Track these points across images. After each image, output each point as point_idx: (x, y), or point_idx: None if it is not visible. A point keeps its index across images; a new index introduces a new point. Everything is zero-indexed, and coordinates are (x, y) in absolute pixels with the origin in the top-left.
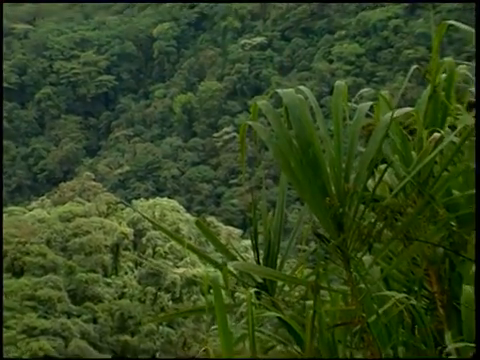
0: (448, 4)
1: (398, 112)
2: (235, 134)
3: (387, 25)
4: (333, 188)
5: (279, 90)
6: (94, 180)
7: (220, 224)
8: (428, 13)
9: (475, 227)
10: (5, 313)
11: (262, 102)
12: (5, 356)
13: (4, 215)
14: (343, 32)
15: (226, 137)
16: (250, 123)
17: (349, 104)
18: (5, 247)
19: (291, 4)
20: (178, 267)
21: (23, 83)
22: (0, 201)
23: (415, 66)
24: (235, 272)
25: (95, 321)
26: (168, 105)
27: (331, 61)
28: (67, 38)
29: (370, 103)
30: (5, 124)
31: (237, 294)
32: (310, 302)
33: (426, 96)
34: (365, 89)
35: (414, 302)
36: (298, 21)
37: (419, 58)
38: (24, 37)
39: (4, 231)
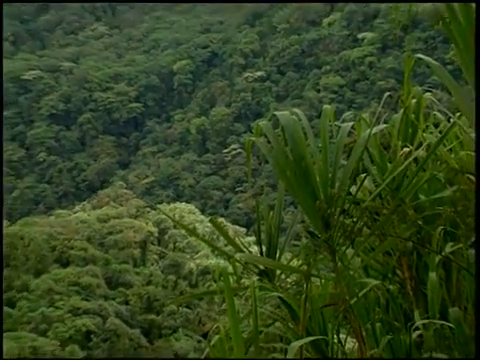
0: (413, 44)
1: (376, 129)
2: (240, 150)
3: (363, 61)
4: (321, 193)
5: (277, 112)
6: (125, 188)
7: (228, 224)
8: (396, 52)
9: (475, 228)
10: (55, 296)
11: (263, 123)
12: (5, 357)
13: (52, 217)
14: (328, 67)
15: (233, 153)
16: (254, 139)
17: (335, 124)
18: (53, 243)
19: (286, 44)
20: (194, 259)
21: (68, 110)
22: (0, 202)
23: (388, 93)
24: (242, 262)
25: (127, 303)
26: (185, 127)
27: (318, 90)
28: (103, 73)
29: (351, 123)
30: (53, 143)
31: (243, 280)
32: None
33: (399, 117)
34: (347, 113)
35: (388, 286)
36: (291, 58)
37: (389, 88)
38: (69, 73)
39: (53, 230)
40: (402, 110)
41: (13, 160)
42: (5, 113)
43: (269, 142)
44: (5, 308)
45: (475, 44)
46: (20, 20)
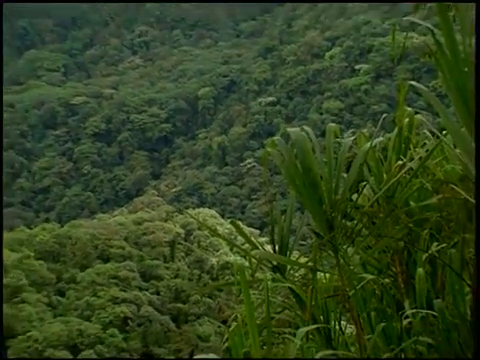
0: (402, 74)
1: (373, 143)
2: (255, 164)
3: (360, 89)
4: (326, 200)
5: (289, 129)
6: (157, 196)
7: (244, 226)
8: (388, 81)
9: (475, 228)
10: (97, 287)
11: (277, 138)
12: (6, 357)
13: (95, 220)
14: (329, 93)
15: (248, 166)
16: (270, 151)
17: (336, 141)
18: (96, 242)
19: (293, 73)
20: (215, 256)
21: (109, 129)
22: (0, 204)
23: (384, 115)
24: (257, 258)
25: (158, 293)
26: (208, 144)
27: (321, 113)
28: (139, 98)
29: (352, 138)
30: (96, 157)
31: (257, 274)
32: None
33: (394, 134)
34: (347, 132)
35: (383, 280)
36: (298, 86)
37: (382, 111)
38: (110, 98)
39: (96, 231)
40: (397, 128)
41: (63, 172)
42: (56, 132)
43: (282, 155)
44: (56, 297)
45: (475, 45)
46: (69, 54)
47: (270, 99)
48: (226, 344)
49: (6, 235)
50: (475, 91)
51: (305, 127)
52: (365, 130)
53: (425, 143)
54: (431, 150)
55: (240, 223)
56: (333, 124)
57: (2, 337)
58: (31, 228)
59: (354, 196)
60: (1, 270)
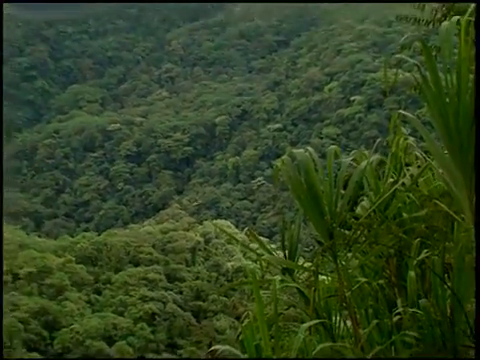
0: (391, 105)
1: (371, 160)
2: (264, 182)
3: (354, 117)
4: (327, 212)
5: (294, 150)
6: (180, 209)
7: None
8: (378, 110)
9: (475, 227)
10: (129, 287)
11: (285, 157)
12: (6, 357)
13: (127, 230)
14: (328, 121)
15: (259, 184)
16: (280, 167)
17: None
18: (128, 248)
19: (297, 104)
20: (230, 261)
21: (139, 152)
22: (0, 206)
23: (379, 139)
24: (268, 262)
25: (181, 293)
26: (224, 164)
27: (321, 138)
28: (165, 125)
29: (351, 158)
30: (128, 176)
31: (267, 276)
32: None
33: (390, 156)
34: (344, 154)
35: (378, 281)
36: (301, 114)
37: (373, 136)
38: (140, 125)
39: (128, 239)
40: (393, 149)
41: (100, 188)
42: (94, 154)
43: (289, 172)
44: (94, 295)
45: (475, 45)
46: (106, 88)
47: (277, 126)
48: (240, 337)
49: (52, 242)
50: (475, 92)
51: (309, 148)
52: (353, 152)
53: (415, 162)
54: (421, 170)
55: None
56: (334, 146)
57: (1, 337)
58: (73, 236)
59: (357, 208)
60: (1, 270)
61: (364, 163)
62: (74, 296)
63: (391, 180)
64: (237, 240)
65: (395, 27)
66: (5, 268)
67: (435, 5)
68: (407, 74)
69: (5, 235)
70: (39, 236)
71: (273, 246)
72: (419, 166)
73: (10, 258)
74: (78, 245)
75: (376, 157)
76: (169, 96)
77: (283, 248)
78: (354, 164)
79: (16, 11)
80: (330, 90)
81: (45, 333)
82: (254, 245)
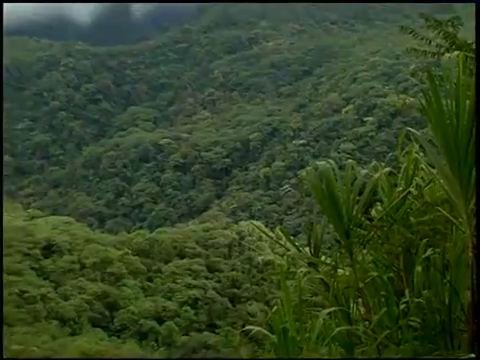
0: (398, 124)
1: (383, 171)
2: (290, 189)
3: (367, 134)
4: (345, 215)
5: (317, 162)
6: (219, 211)
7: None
8: (387, 129)
9: (475, 230)
10: (175, 276)
11: (309, 168)
12: (6, 356)
13: (175, 228)
14: (345, 138)
15: (285, 190)
16: (305, 177)
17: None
18: (175, 244)
19: (319, 123)
20: (261, 255)
21: (185, 163)
22: (0, 203)
23: (390, 154)
24: (295, 256)
25: (219, 281)
26: (257, 174)
27: (339, 152)
28: (207, 140)
29: (366, 170)
30: (176, 183)
31: (292, 269)
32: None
33: (403, 167)
34: (358, 167)
35: (389, 274)
36: (322, 132)
37: (383, 151)
38: (186, 140)
39: (175, 236)
40: (406, 162)
41: (152, 193)
42: (148, 165)
43: (312, 181)
44: (147, 282)
45: (475, 45)
46: (158, 109)
47: (301, 141)
48: (269, 320)
49: (113, 238)
50: (476, 89)
51: (330, 160)
52: (371, 165)
53: (421, 174)
54: (428, 182)
55: (279, 232)
56: (351, 160)
57: (1, 337)
58: (130, 233)
59: (371, 211)
60: (1, 270)
61: (377, 174)
62: (130, 283)
63: (400, 189)
64: (270, 237)
65: (402, 60)
66: (74, 258)
67: (440, 40)
68: (412, 99)
69: (74, 231)
70: (102, 232)
71: (297, 243)
72: (422, 177)
73: (78, 250)
74: (134, 240)
75: (387, 169)
76: (211, 116)
77: (309, 245)
78: (370, 174)
79: (87, 46)
80: (347, 112)
81: (107, 313)
82: (282, 242)
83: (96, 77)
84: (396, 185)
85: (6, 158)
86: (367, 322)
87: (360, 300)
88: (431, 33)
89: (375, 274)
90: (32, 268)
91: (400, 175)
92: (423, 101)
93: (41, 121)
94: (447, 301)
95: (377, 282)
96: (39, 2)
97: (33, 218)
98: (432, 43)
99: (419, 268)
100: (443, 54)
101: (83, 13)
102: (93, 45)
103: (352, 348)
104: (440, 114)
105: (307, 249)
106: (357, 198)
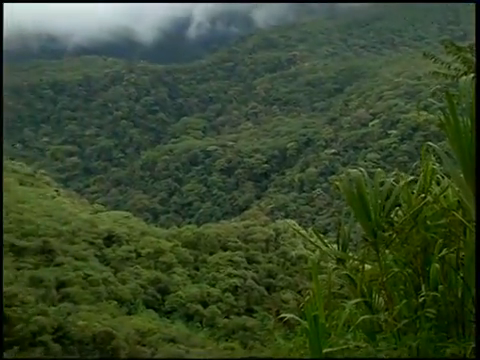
0: (418, 137)
1: (406, 180)
2: (322, 192)
3: (390, 146)
4: (373, 217)
5: (349, 170)
6: (258, 210)
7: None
8: (409, 141)
9: (475, 228)
10: (219, 266)
11: (341, 175)
12: (6, 356)
13: (219, 224)
14: (371, 148)
15: (318, 193)
16: (338, 183)
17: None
18: (219, 238)
19: (348, 135)
20: (294, 250)
21: (229, 167)
22: (0, 203)
23: (415, 163)
24: (326, 252)
25: (257, 272)
26: (292, 178)
27: (365, 161)
28: (249, 148)
29: (392, 178)
30: (221, 184)
31: (323, 263)
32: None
33: (421, 178)
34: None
35: (407, 271)
36: (351, 143)
37: (405, 161)
38: (231, 147)
39: (219, 231)
40: (423, 173)
41: (200, 193)
42: (197, 168)
43: (345, 186)
44: (194, 271)
45: (475, 44)
46: (207, 120)
47: (333, 151)
48: (301, 308)
49: (164, 231)
50: (476, 88)
51: (361, 168)
52: (393, 173)
53: (438, 182)
54: (445, 189)
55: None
56: (379, 169)
57: (1, 337)
58: (180, 227)
59: (393, 214)
60: (1, 271)
61: (402, 182)
62: (179, 270)
63: (422, 195)
64: (302, 235)
65: (423, 81)
66: (131, 248)
67: (458, 64)
68: (431, 116)
69: (132, 224)
70: (156, 226)
71: (326, 241)
72: (439, 184)
73: (135, 241)
74: (183, 234)
75: (411, 178)
76: (253, 127)
77: (338, 242)
78: (393, 182)
79: (147, 64)
80: (373, 126)
81: (158, 296)
82: (313, 239)
83: (154, 91)
84: (413, 192)
85: (75, 159)
86: (388, 312)
87: (383, 292)
88: (450, 58)
89: (397, 269)
90: (96, 255)
91: (418, 183)
92: (442, 117)
93: (106, 128)
94: (460, 295)
95: (398, 277)
96: (42, 2)
97: (97, 212)
98: (451, 67)
99: (436, 265)
100: (461, 76)
101: (146, 35)
102: (152, 63)
103: (374, 335)
104: (457, 129)
105: (335, 246)
106: (384, 202)
